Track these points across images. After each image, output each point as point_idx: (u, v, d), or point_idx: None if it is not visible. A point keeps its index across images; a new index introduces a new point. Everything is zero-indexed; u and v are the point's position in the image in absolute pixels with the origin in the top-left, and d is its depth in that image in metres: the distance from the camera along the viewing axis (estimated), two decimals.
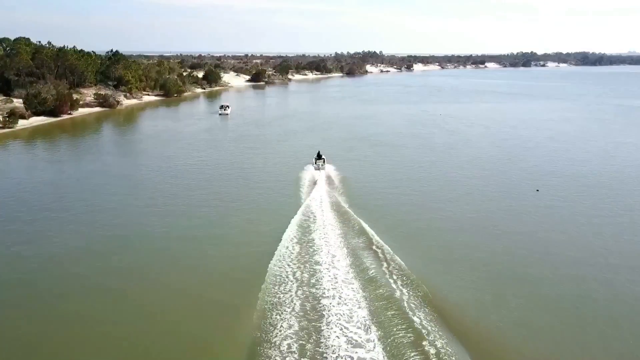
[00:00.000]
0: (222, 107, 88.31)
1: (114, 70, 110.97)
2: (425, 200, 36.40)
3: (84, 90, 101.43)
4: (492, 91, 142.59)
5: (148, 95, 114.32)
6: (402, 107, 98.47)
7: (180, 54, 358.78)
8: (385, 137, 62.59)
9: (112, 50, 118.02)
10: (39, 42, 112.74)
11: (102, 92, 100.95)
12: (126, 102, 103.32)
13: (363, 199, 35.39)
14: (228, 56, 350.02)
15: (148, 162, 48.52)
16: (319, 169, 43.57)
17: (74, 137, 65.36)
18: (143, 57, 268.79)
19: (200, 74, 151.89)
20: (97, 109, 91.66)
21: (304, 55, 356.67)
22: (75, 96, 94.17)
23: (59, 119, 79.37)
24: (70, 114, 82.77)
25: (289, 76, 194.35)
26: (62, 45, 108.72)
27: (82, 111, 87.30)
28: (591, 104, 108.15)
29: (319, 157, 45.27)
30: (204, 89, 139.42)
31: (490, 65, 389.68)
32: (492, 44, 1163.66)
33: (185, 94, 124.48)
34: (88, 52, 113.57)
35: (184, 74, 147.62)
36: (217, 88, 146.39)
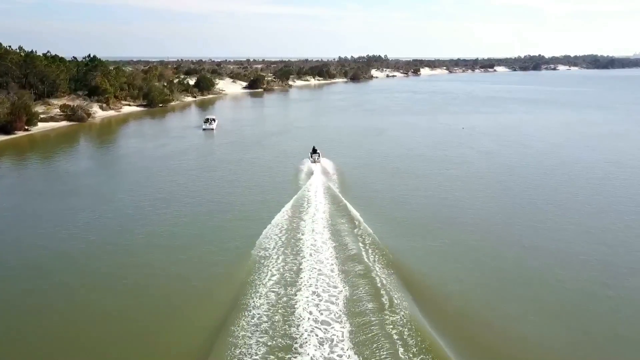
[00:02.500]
0: (207, 120, 75.65)
1: (90, 78, 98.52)
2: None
3: (54, 101, 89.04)
4: (512, 98, 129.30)
5: (129, 105, 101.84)
6: (416, 119, 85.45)
7: (181, 59, 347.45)
8: (404, 163, 49.36)
9: (89, 55, 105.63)
10: (10, 46, 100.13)
11: (75, 102, 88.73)
12: (101, 114, 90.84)
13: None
14: (229, 61, 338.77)
15: (69, 209, 35.25)
16: (314, 162, 46.66)
17: (8, 163, 52.43)
18: (142, 63, 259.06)
19: (194, 81, 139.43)
20: (64, 123, 79.11)
21: (306, 60, 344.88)
22: (39, 108, 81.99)
23: (11, 136, 66.84)
24: (27, 129, 70.28)
25: (290, 82, 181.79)
26: (30, 50, 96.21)
27: (43, 126, 74.75)
28: (634, 114, 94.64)
29: (314, 151, 48.58)
30: (195, 97, 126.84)
31: (500, 68, 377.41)
32: (497, 47, 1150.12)
33: (173, 103, 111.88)
34: (61, 58, 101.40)
35: (175, 80, 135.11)
36: (211, 96, 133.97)
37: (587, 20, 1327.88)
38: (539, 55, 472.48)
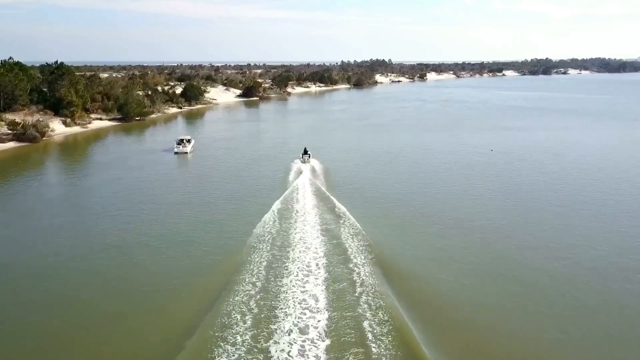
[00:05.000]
0: (180, 141, 62.38)
1: (59, 88, 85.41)
2: None
3: (10, 116, 75.98)
4: (536, 108, 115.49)
5: (100, 119, 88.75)
6: (432, 137, 71.82)
7: (181, 64, 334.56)
8: (441, 226, 35.38)
9: (56, 62, 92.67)
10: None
11: (33, 117, 75.82)
12: (63, 131, 77.73)
13: None
14: (230, 66, 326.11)
15: None
16: (304, 163, 49.85)
17: None
18: (138, 68, 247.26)
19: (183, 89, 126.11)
20: (11, 144, 65.99)
21: (308, 65, 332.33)
22: None
23: None
24: None
25: (289, 89, 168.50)
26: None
27: None
28: None
29: (305, 152, 51.57)
30: (181, 108, 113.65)
31: (508, 73, 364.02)
32: (501, 50, 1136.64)
33: (153, 115, 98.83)
34: (22, 65, 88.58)
35: (159, 88, 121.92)
36: (199, 106, 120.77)
37: (590, 23, 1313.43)
38: (547, 58, 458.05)
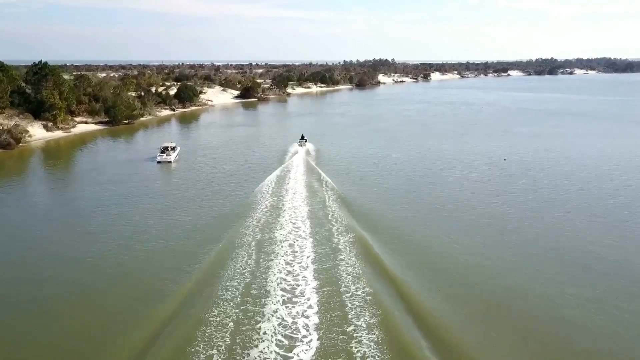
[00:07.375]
0: (164, 149, 57.12)
1: (40, 89, 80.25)
2: None
3: None
4: (548, 110, 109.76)
5: (86, 123, 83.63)
6: (439, 145, 66.16)
7: (182, 63, 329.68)
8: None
9: (40, 61, 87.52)
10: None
11: (12, 121, 70.80)
12: (43, 135, 72.69)
13: None
14: (231, 65, 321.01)
15: None
16: (301, 146, 61.33)
17: None
18: (139, 67, 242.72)
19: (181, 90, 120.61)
20: None
21: (310, 64, 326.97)
22: None
23: None
24: None
25: (289, 90, 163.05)
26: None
27: None
28: None
29: (302, 137, 63.53)
30: (174, 110, 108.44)
31: (513, 73, 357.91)
32: (505, 49, 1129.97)
33: (144, 118, 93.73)
34: (3, 65, 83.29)
35: (153, 89, 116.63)
36: (194, 108, 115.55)
37: (594, 22, 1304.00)
38: (552, 58, 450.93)
